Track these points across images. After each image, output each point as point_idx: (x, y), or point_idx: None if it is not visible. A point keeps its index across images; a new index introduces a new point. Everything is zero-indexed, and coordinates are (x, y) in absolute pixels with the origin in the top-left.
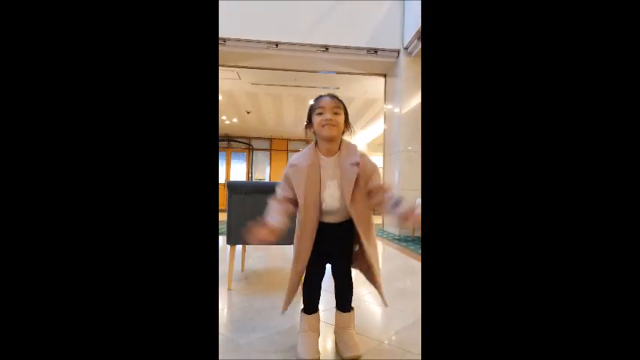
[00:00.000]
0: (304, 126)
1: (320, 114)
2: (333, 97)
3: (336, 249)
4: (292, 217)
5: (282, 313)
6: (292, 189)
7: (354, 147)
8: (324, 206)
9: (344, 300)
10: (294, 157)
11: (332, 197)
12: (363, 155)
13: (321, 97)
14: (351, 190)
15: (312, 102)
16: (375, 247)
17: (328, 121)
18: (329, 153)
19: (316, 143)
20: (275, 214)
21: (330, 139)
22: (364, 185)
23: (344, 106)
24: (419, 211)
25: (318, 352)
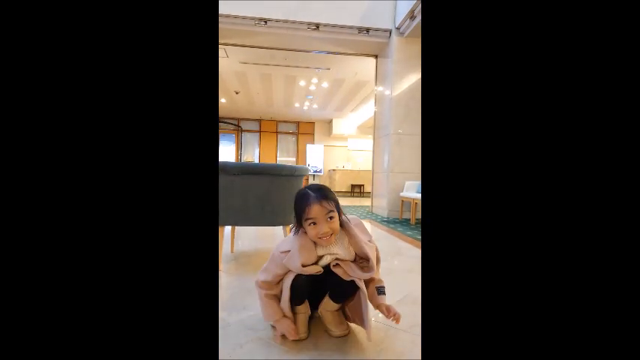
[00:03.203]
0: (293, 225)
1: (313, 224)
2: (323, 197)
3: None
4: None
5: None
6: (281, 267)
7: (356, 231)
8: (320, 263)
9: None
10: (282, 244)
11: (329, 258)
12: (368, 240)
13: (308, 198)
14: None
15: (297, 200)
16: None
17: (325, 235)
18: (326, 243)
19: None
20: (273, 309)
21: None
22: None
23: (335, 201)
24: (394, 311)
25: (306, 331)
